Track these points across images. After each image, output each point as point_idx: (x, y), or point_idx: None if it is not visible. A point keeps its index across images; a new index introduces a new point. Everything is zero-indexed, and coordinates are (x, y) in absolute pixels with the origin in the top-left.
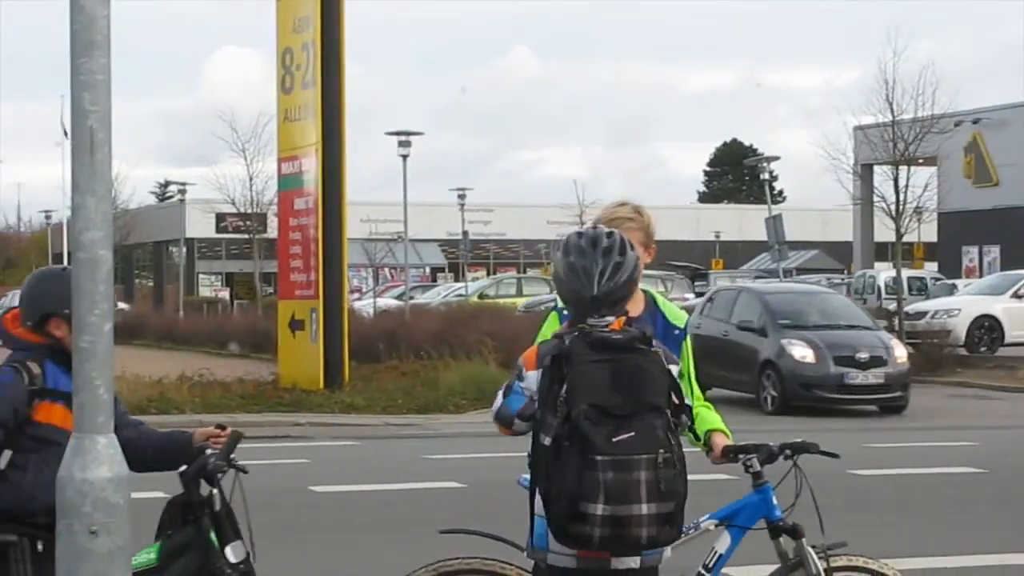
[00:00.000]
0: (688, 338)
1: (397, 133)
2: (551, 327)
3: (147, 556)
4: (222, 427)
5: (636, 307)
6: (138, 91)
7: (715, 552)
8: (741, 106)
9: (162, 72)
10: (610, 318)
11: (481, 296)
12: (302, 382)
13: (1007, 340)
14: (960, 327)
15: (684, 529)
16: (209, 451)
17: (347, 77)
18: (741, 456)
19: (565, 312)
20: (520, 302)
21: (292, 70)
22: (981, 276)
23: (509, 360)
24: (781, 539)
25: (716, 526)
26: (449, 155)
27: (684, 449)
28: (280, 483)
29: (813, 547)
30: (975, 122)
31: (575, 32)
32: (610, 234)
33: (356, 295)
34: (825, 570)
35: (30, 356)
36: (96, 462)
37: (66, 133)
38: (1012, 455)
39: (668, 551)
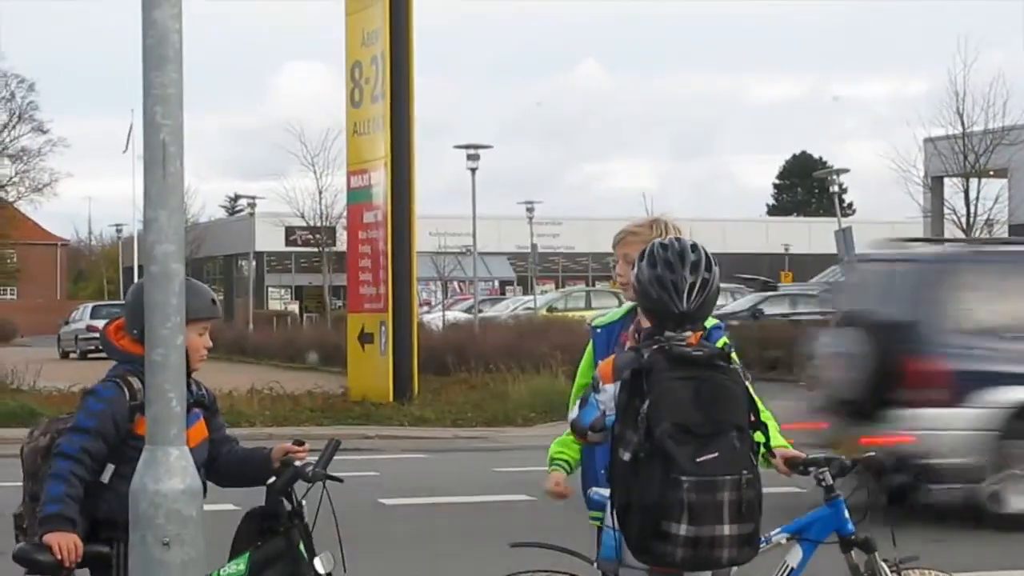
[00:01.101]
0: (722, 342)
1: (466, 146)
2: (589, 355)
3: (236, 568)
4: (300, 442)
5: None
6: (208, 105)
7: (787, 566)
8: (810, 118)
9: (232, 86)
10: (688, 332)
11: (550, 309)
12: (371, 395)
13: None
14: None
15: None
16: (298, 462)
17: (416, 90)
18: (812, 469)
19: (599, 331)
20: (589, 315)
21: (361, 84)
22: None
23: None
24: (852, 553)
25: (788, 540)
26: (517, 168)
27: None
28: (349, 496)
29: (885, 561)
30: None
31: (643, 44)
32: (695, 247)
33: (425, 308)
34: None
35: (132, 370)
36: (168, 474)
37: (127, 146)
38: None
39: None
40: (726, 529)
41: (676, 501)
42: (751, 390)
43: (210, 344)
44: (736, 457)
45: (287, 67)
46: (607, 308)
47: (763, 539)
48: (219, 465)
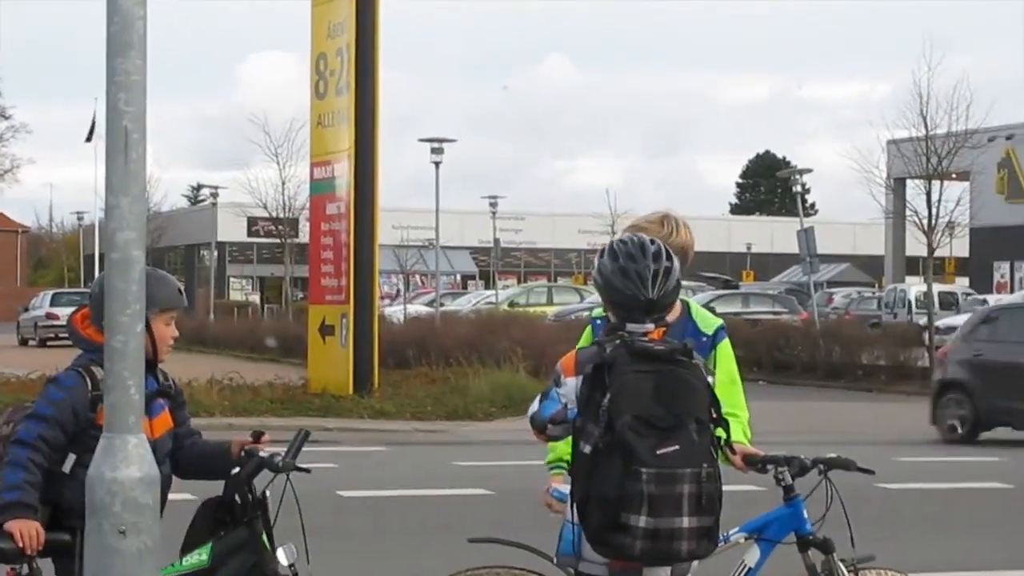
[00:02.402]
0: (725, 343)
1: (430, 140)
2: (587, 336)
3: (199, 558)
4: (259, 434)
5: (672, 314)
6: (171, 94)
7: (744, 565)
8: (775, 118)
9: (196, 75)
10: (650, 326)
11: (511, 304)
12: (332, 387)
13: None
14: None
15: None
16: (263, 453)
17: (381, 83)
18: (771, 467)
19: (599, 322)
20: (550, 311)
21: (326, 75)
22: (1012, 292)
23: (539, 368)
24: (809, 552)
25: (746, 539)
26: (482, 162)
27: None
28: (308, 488)
29: (842, 561)
30: (1008, 138)
31: (611, 41)
32: (653, 240)
33: (387, 301)
34: None
35: (96, 359)
36: (126, 462)
37: (91, 133)
38: None
39: (695, 562)
40: (685, 522)
41: (636, 493)
42: (712, 386)
43: (176, 334)
44: (696, 450)
45: (253, 57)
46: (568, 303)
47: (721, 537)
48: (180, 457)
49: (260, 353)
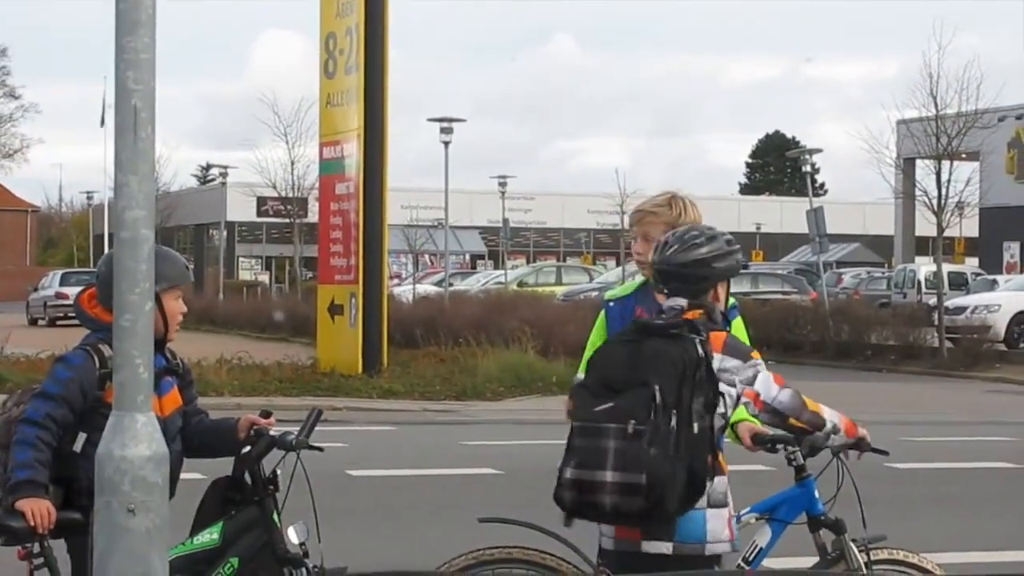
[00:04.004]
0: (737, 321)
1: (439, 120)
2: (601, 326)
3: (210, 537)
4: (267, 414)
5: None
6: (181, 74)
7: (756, 545)
8: (784, 98)
9: (206, 55)
10: (679, 302)
11: (520, 284)
12: (340, 367)
13: None
14: (1000, 323)
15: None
16: (273, 432)
17: (390, 63)
18: (780, 447)
19: (612, 304)
20: (559, 291)
21: (335, 55)
22: (1022, 272)
23: (547, 348)
24: (820, 532)
25: (757, 519)
26: (491, 143)
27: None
28: (317, 467)
29: (853, 540)
30: (1019, 118)
31: (620, 21)
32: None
33: (396, 281)
34: (865, 563)
35: (104, 338)
36: (135, 440)
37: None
38: None
39: (718, 545)
40: (608, 476)
41: (569, 447)
42: (710, 362)
43: (184, 309)
44: (628, 409)
45: (262, 37)
46: (577, 283)
47: (733, 517)
48: (187, 435)
49: (269, 333)
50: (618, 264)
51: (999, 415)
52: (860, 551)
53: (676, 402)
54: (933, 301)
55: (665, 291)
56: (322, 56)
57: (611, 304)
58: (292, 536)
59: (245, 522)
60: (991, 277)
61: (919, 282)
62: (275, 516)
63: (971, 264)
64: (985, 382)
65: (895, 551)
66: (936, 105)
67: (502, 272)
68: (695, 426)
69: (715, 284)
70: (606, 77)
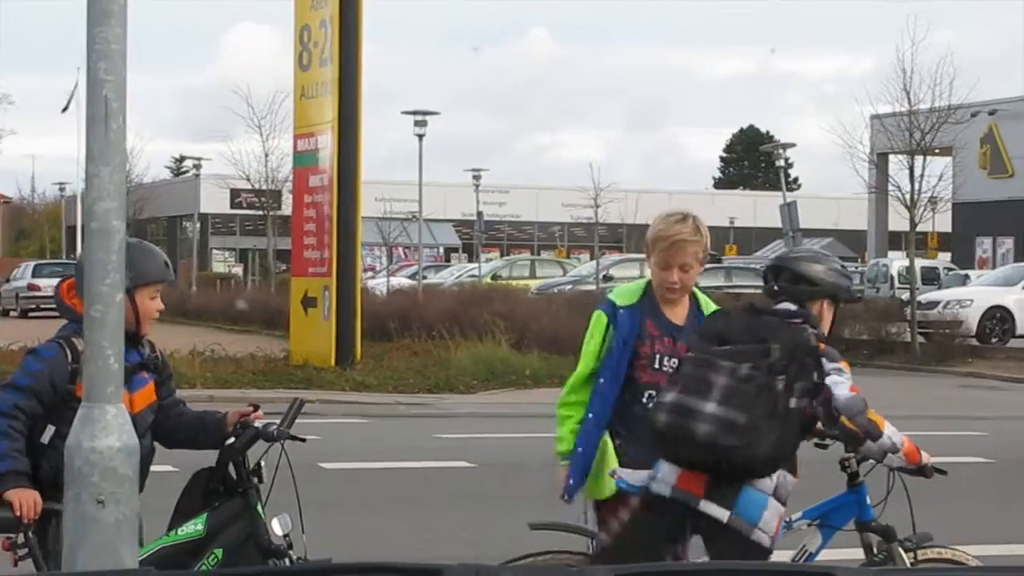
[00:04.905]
0: None
1: (413, 112)
2: (601, 328)
3: (194, 528)
4: (255, 407)
5: (683, 310)
6: (155, 66)
7: (805, 550)
8: (759, 93)
9: (179, 47)
10: (782, 302)
11: (494, 277)
12: (314, 359)
13: (1018, 331)
14: (972, 318)
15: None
16: (258, 424)
17: (365, 55)
18: (829, 442)
19: (622, 311)
20: (533, 284)
21: (310, 47)
22: (994, 267)
23: (520, 341)
24: (867, 533)
25: (809, 525)
26: (465, 136)
27: None
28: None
29: (901, 542)
30: (992, 113)
31: (594, 14)
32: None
33: (369, 274)
34: (912, 563)
35: (78, 330)
36: (105, 432)
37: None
38: (1021, 446)
39: (765, 536)
40: (709, 407)
41: (675, 376)
42: (820, 355)
43: (161, 307)
44: (747, 355)
45: (236, 29)
46: (551, 277)
47: (784, 523)
48: (169, 427)
49: (242, 325)
50: (592, 258)
51: (972, 410)
52: (908, 552)
53: (785, 369)
54: (906, 296)
55: (775, 287)
56: (296, 48)
57: (622, 311)
58: (276, 528)
59: (229, 514)
60: (963, 272)
61: (892, 277)
62: (259, 508)
63: (944, 259)
64: (957, 377)
65: (942, 549)
66: (909, 100)
67: (476, 265)
68: (793, 401)
69: (822, 298)
70: (581, 70)
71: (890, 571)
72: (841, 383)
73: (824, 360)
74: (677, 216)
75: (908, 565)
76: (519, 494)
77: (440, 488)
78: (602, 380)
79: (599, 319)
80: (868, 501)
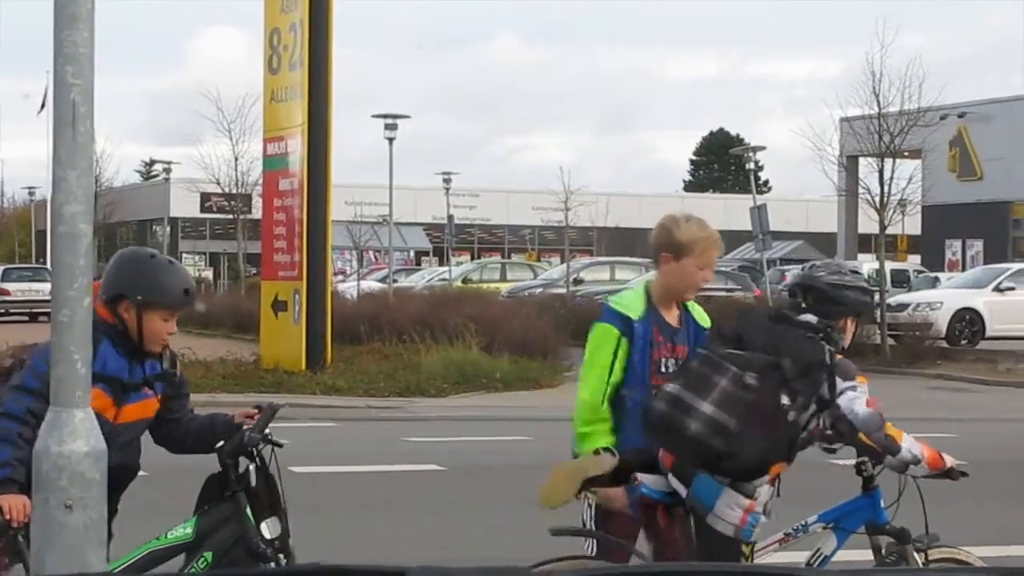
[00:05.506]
0: None
1: (384, 116)
2: (611, 340)
3: (183, 531)
4: (259, 407)
5: (674, 314)
6: (124, 70)
7: (820, 553)
8: (729, 96)
9: (148, 51)
10: (813, 321)
11: (465, 281)
12: (284, 363)
13: (988, 334)
14: (942, 320)
15: (794, 531)
16: (245, 427)
17: (335, 59)
18: (837, 447)
19: (637, 323)
20: (504, 287)
21: (279, 51)
22: (964, 270)
23: (491, 345)
24: (878, 535)
25: (824, 528)
26: (436, 139)
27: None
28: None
29: (914, 543)
30: (961, 116)
31: (565, 17)
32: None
33: (340, 277)
34: (924, 563)
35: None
36: (73, 436)
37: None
38: (991, 448)
39: (720, 523)
40: (704, 406)
41: (683, 367)
42: (833, 375)
43: (173, 330)
44: (755, 364)
45: (207, 33)
46: (522, 280)
47: (800, 527)
48: (179, 437)
49: (212, 329)
50: (563, 261)
51: (941, 412)
52: (919, 552)
53: (792, 383)
54: (876, 298)
55: (802, 303)
56: (266, 52)
57: (637, 323)
58: (265, 532)
59: (219, 517)
60: (933, 274)
61: None
62: (248, 511)
63: (913, 262)
64: (927, 379)
65: (952, 550)
66: (879, 103)
67: (447, 269)
68: (792, 415)
69: (847, 315)
70: (552, 73)
71: (855, 572)
72: (857, 399)
73: (838, 378)
74: (698, 218)
75: (920, 566)
76: (488, 497)
77: (410, 491)
78: (632, 400)
79: (608, 333)
80: (882, 505)
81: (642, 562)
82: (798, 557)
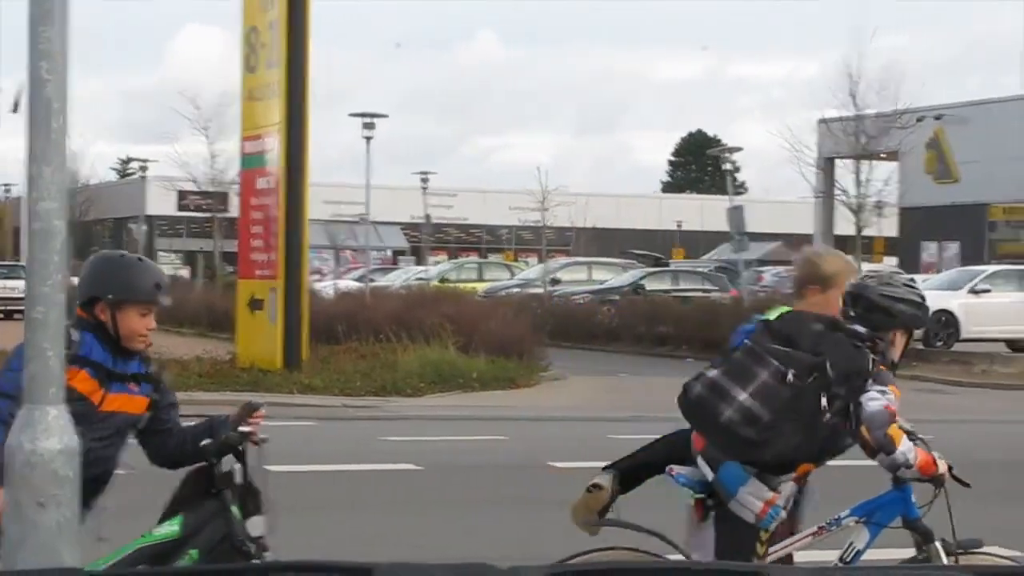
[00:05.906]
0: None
1: (361, 115)
2: None
3: (170, 529)
4: (256, 407)
5: None
6: (100, 67)
7: (853, 547)
8: (707, 97)
9: (125, 49)
10: (862, 331)
11: (442, 280)
12: (260, 362)
13: (963, 335)
14: None
15: (827, 525)
16: (242, 427)
17: (312, 58)
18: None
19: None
20: (481, 287)
21: (257, 49)
22: (940, 272)
23: (468, 345)
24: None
25: (856, 522)
26: (413, 138)
27: None
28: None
29: (943, 544)
30: (937, 118)
31: (544, 17)
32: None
33: (317, 276)
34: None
35: (74, 324)
36: (46, 433)
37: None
38: (966, 449)
39: (743, 510)
40: (741, 396)
41: (727, 355)
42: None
43: (152, 326)
44: (797, 363)
45: (184, 30)
46: (498, 279)
47: (833, 521)
48: (171, 448)
49: (188, 327)
50: (540, 261)
51: (916, 413)
52: (949, 555)
53: (832, 386)
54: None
55: (851, 313)
56: (244, 50)
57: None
58: (251, 530)
59: (205, 515)
60: (909, 276)
61: None
62: (234, 508)
63: (890, 264)
64: (902, 380)
65: (987, 556)
66: (856, 105)
67: (424, 268)
68: (828, 416)
69: (897, 328)
70: (530, 73)
71: (825, 570)
72: (876, 398)
73: (871, 380)
74: (834, 250)
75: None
76: (465, 497)
77: (386, 490)
78: None
79: None
80: (913, 499)
81: (680, 556)
82: (830, 553)
